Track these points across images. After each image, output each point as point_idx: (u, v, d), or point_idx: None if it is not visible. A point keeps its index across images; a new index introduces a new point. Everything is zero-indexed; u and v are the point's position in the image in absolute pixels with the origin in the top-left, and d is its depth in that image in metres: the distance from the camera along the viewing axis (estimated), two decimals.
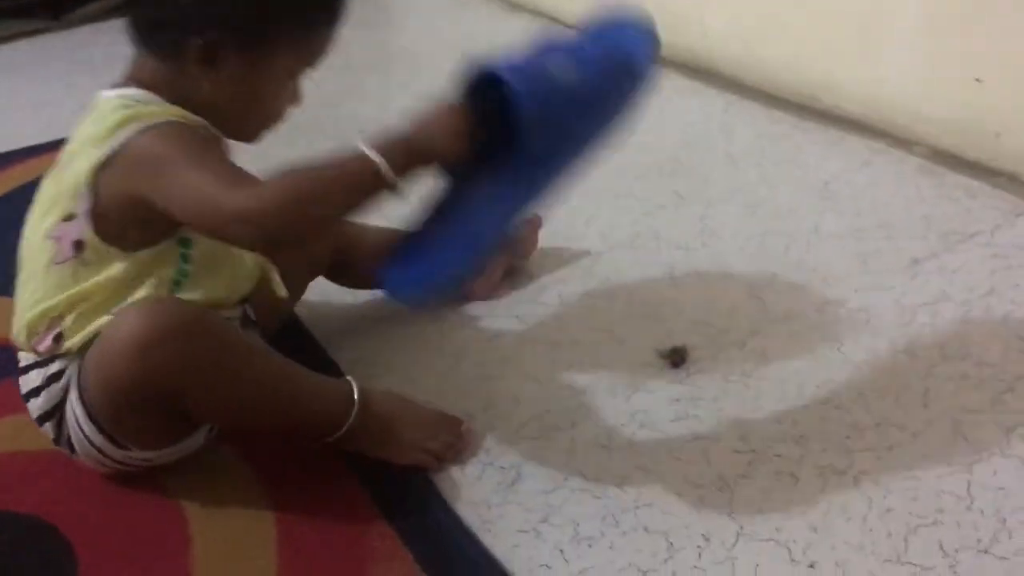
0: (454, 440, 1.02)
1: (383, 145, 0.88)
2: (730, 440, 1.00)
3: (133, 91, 0.96)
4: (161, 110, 0.94)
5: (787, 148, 1.61)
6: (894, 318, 1.16)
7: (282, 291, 1.11)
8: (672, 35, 1.94)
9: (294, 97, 1.02)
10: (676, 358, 1.11)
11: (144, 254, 0.96)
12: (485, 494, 0.97)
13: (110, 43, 2.38)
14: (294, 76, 1.00)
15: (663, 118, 1.77)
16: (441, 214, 0.95)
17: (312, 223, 0.92)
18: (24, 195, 1.05)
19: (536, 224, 1.34)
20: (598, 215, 1.46)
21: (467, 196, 0.94)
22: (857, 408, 1.03)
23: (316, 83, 1.04)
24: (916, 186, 1.45)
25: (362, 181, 0.88)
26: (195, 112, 0.96)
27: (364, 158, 0.87)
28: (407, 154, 0.89)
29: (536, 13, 2.40)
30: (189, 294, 0.99)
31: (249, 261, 1.06)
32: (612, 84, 0.92)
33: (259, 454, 1.05)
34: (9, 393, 1.10)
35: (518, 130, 0.87)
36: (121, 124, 0.92)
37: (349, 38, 1.03)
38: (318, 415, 0.99)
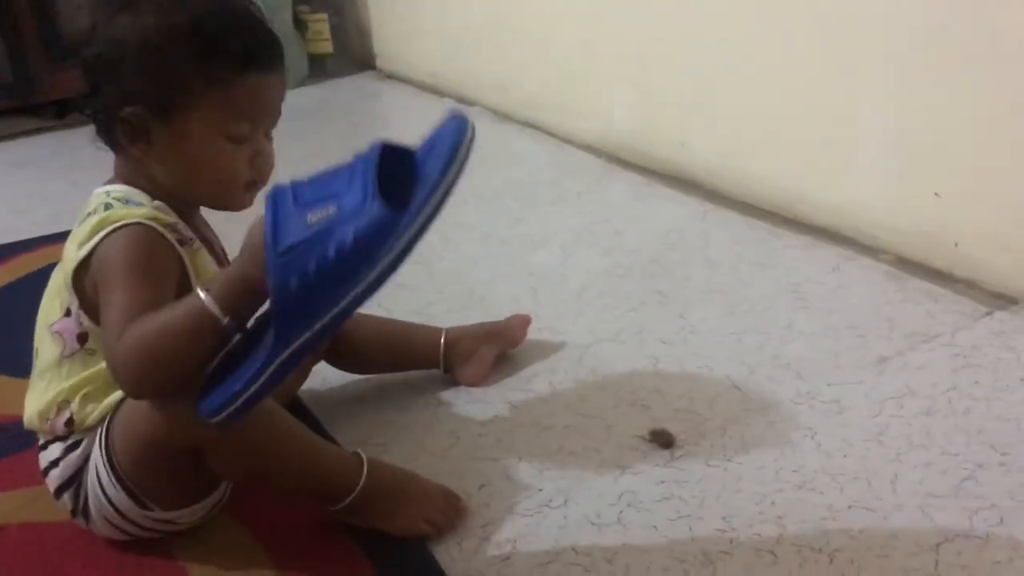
0: (454, 513, 1.07)
1: (216, 283, 0.88)
2: (713, 520, 1.06)
3: (116, 187, 1.01)
4: (132, 211, 0.96)
5: (762, 252, 1.71)
6: (863, 410, 1.24)
7: None
8: (655, 148, 2.08)
9: (254, 156, 1.00)
10: (665, 440, 1.18)
11: None
12: (482, 567, 1.02)
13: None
14: (227, 132, 0.98)
15: (646, 223, 1.87)
16: (247, 341, 0.91)
17: (163, 377, 0.89)
18: (30, 284, 1.09)
19: (525, 319, 1.42)
20: (584, 312, 1.54)
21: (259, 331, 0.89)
22: (831, 491, 1.09)
23: None
24: (883, 290, 1.55)
25: (199, 326, 0.87)
26: (158, 192, 0.99)
27: (197, 302, 0.87)
28: (236, 285, 0.87)
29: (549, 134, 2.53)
30: None
31: None
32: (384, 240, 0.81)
33: (264, 524, 1.09)
34: (16, 467, 1.15)
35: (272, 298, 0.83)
36: (97, 227, 0.96)
37: None
38: (329, 478, 1.03)
